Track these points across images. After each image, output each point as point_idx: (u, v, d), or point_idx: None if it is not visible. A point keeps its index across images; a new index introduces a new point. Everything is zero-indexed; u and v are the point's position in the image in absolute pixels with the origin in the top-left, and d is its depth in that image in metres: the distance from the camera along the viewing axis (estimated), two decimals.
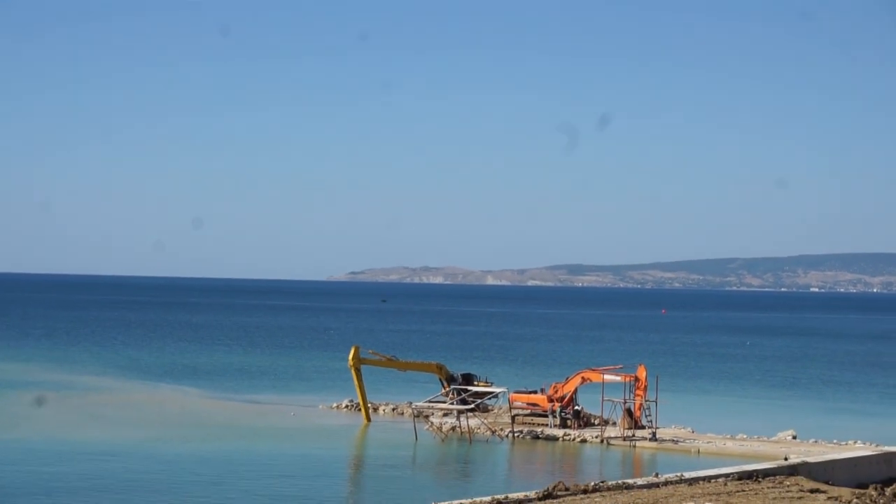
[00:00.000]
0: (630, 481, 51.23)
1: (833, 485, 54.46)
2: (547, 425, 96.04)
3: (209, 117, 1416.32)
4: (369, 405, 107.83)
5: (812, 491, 50.30)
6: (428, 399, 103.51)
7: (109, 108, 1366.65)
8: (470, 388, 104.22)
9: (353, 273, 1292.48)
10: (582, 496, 47.20)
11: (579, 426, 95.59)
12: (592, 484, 49.53)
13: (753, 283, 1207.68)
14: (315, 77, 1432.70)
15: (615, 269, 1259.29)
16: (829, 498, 48.29)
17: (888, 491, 49.42)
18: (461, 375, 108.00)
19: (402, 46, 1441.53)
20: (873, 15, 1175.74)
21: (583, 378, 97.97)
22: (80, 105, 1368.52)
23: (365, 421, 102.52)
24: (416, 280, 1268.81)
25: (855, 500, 46.64)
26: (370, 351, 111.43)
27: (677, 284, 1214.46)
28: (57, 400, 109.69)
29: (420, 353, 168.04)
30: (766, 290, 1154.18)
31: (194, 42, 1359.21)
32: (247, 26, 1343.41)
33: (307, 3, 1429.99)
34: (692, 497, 47.23)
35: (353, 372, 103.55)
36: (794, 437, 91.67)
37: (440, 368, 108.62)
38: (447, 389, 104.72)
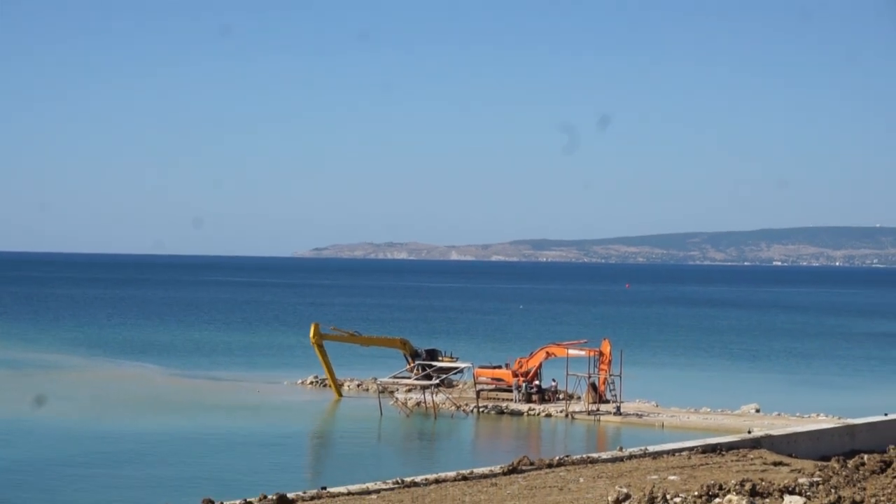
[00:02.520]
0: (594, 455, 51.20)
1: (796, 457, 54.60)
2: (512, 400, 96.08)
3: (209, 115, 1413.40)
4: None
5: (775, 464, 50.40)
6: (392, 375, 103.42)
7: (109, 108, 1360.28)
8: (435, 363, 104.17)
9: (317, 249, 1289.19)
10: (547, 470, 47.12)
11: (543, 400, 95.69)
12: (557, 458, 49.46)
13: (717, 257, 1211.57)
14: (315, 77, 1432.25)
15: (579, 244, 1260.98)
16: (792, 470, 48.39)
17: (850, 463, 49.55)
18: (426, 351, 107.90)
19: (402, 46, 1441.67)
20: (873, 15, 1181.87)
21: (547, 353, 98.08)
22: (79, 104, 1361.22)
23: (336, 396, 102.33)
24: (381, 256, 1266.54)
25: (818, 473, 46.75)
26: (331, 327, 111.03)
27: (641, 259, 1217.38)
28: (12, 378, 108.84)
29: (384, 329, 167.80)
30: (730, 263, 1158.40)
31: (194, 42, 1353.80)
32: (247, 26, 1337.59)
33: (307, 3, 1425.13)
34: (656, 470, 47.25)
35: (316, 349, 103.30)
36: (758, 411, 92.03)
37: (404, 344, 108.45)
38: (412, 365, 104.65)
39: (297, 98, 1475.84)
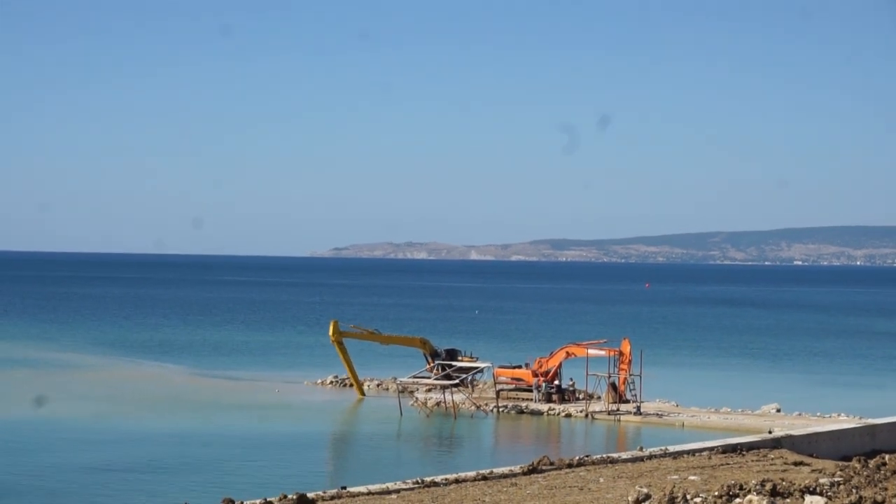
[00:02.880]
0: (615, 455, 51.15)
1: (817, 457, 54.48)
2: (531, 400, 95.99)
3: (209, 115, 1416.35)
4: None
5: (796, 464, 50.27)
6: (412, 375, 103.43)
7: (109, 108, 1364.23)
8: (454, 363, 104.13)
9: (336, 249, 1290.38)
10: (567, 470, 47.09)
11: (563, 400, 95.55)
12: (577, 458, 49.43)
13: (737, 256, 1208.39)
14: (315, 77, 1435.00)
15: (599, 244, 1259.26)
16: (812, 470, 48.25)
17: (871, 463, 49.39)
18: (445, 351, 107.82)
19: (402, 46, 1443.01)
20: (873, 14, 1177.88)
21: (567, 353, 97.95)
22: (80, 104, 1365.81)
23: (359, 395, 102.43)
24: (400, 255, 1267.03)
25: (838, 473, 46.61)
26: (351, 325, 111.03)
27: (661, 258, 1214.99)
28: (35, 378, 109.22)
29: (403, 328, 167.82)
30: (750, 263, 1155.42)
31: (194, 42, 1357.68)
32: (247, 26, 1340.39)
33: (307, 3, 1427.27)
34: (676, 470, 47.17)
35: (336, 347, 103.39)
36: (778, 410, 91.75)
37: (424, 343, 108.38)
38: (431, 365, 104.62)
39: (299, 98, 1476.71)
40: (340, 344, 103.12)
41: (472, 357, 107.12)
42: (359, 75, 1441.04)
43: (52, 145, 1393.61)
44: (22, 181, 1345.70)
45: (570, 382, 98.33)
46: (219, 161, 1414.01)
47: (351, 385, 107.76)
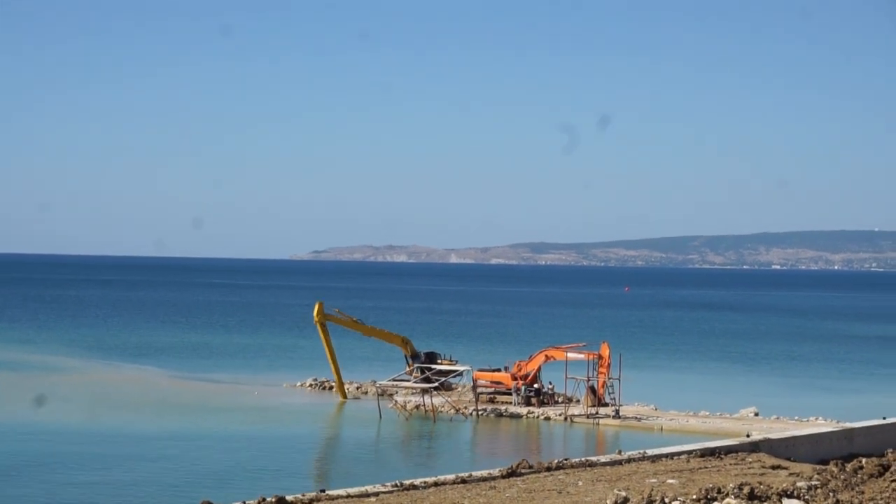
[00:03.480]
0: (593, 459, 51.33)
1: (795, 461, 54.76)
2: (511, 403, 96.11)
3: (209, 115, 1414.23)
4: (332, 384, 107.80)
5: (774, 467, 50.55)
6: (391, 378, 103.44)
7: (109, 107, 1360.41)
8: (434, 366, 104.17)
9: (316, 252, 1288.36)
10: (546, 473, 47.24)
11: (542, 404, 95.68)
12: (556, 461, 49.59)
13: (716, 260, 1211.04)
14: (315, 77, 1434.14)
15: (578, 248, 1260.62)
16: (790, 474, 48.52)
17: (849, 467, 49.71)
18: (424, 354, 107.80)
19: (401, 46, 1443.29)
20: (873, 14, 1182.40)
21: (546, 356, 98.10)
22: (79, 104, 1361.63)
23: (340, 398, 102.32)
24: (380, 258, 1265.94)
25: (816, 476, 46.88)
26: (336, 310, 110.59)
27: (640, 262, 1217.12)
28: (12, 380, 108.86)
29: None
30: (729, 267, 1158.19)
31: (194, 42, 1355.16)
32: (247, 26, 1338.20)
33: (307, 4, 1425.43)
34: (655, 474, 47.36)
35: (319, 328, 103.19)
36: (756, 414, 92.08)
37: (405, 343, 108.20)
38: (411, 368, 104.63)
39: (297, 98, 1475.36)
40: (323, 326, 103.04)
41: (451, 360, 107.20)
42: (356, 76, 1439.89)
43: (52, 145, 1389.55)
44: (22, 181, 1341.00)
45: (550, 386, 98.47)
46: (214, 162, 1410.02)
47: (331, 388, 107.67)
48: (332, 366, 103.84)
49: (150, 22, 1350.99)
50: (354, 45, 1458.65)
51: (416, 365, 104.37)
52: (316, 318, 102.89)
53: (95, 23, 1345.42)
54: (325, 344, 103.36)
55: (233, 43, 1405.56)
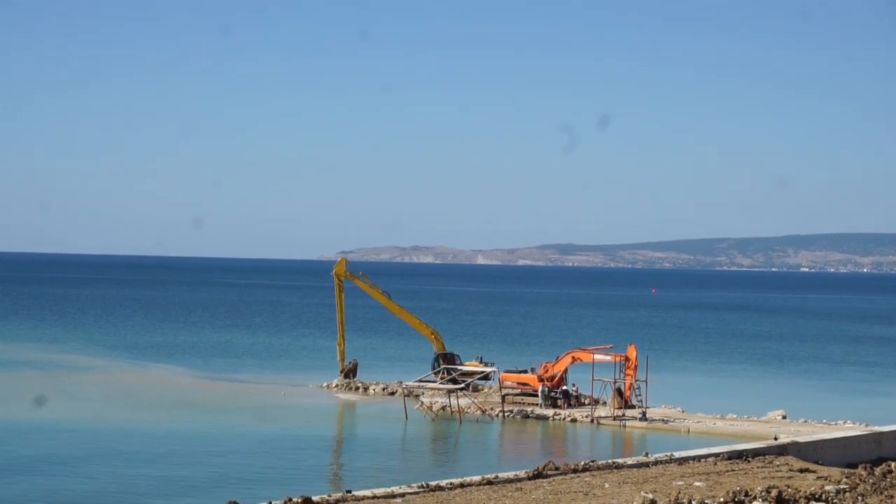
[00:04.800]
0: (620, 461, 51.17)
1: (823, 464, 54.49)
2: (537, 405, 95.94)
3: (209, 115, 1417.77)
4: (359, 385, 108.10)
5: (801, 471, 50.28)
6: (418, 378, 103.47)
7: (109, 107, 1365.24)
8: (461, 367, 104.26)
9: (343, 252, 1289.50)
10: (572, 475, 47.11)
11: (569, 406, 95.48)
12: (583, 463, 49.45)
13: (744, 262, 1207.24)
14: (315, 77, 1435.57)
15: (605, 249, 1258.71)
16: (818, 477, 48.24)
17: (878, 470, 49.37)
18: (442, 355, 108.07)
19: (401, 46, 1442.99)
20: (873, 14, 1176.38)
21: (573, 358, 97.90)
22: (79, 104, 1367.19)
23: (341, 366, 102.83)
24: (407, 259, 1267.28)
25: (844, 480, 46.58)
26: (360, 272, 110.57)
27: (667, 264, 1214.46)
28: (40, 379, 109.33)
29: (408, 332, 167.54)
30: (757, 269, 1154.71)
31: (194, 42, 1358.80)
32: (247, 26, 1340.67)
33: (307, 3, 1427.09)
34: (682, 476, 47.18)
35: (335, 282, 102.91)
36: (784, 417, 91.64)
37: (435, 336, 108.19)
38: (438, 369, 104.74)
39: (302, 98, 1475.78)
40: (341, 282, 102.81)
41: (481, 361, 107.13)
42: (360, 76, 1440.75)
43: (51, 145, 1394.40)
44: (22, 181, 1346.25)
45: (574, 388, 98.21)
46: (220, 162, 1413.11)
47: (357, 389, 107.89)
48: (339, 327, 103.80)
49: (150, 22, 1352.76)
50: (357, 45, 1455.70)
51: (442, 366, 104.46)
52: (335, 272, 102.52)
53: (95, 22, 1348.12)
54: (337, 302, 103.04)
55: (233, 43, 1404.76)
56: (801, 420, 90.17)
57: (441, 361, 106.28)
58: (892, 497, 42.65)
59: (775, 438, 60.69)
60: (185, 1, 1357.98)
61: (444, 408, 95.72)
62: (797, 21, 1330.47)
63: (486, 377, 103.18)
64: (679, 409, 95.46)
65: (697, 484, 45.20)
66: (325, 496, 41.04)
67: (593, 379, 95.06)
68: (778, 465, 51.61)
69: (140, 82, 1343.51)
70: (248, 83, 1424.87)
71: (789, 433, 73.19)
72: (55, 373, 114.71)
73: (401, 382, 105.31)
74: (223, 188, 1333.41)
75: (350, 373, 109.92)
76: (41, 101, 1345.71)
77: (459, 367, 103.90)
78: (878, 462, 55.01)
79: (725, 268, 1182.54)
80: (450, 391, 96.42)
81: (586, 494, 42.91)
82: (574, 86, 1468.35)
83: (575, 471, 47.98)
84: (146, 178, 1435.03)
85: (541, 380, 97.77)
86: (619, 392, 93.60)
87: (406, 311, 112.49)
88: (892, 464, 50.95)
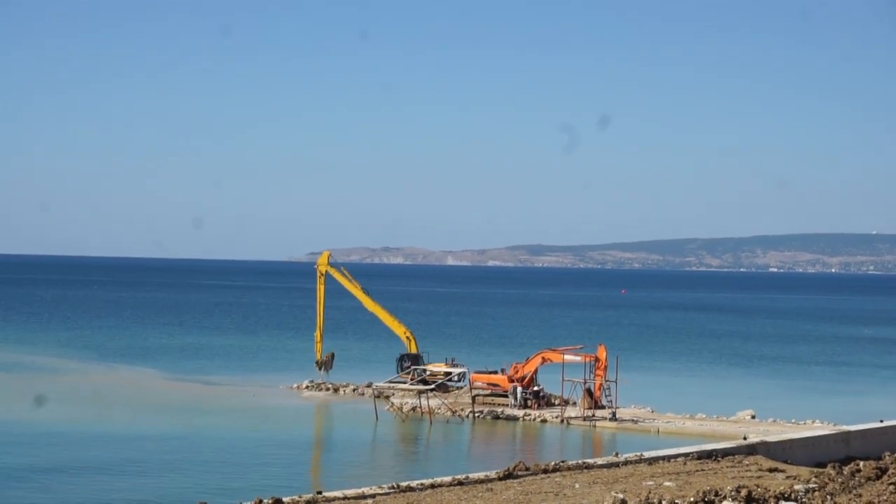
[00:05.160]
0: (590, 461, 51.27)
1: (792, 464, 54.72)
2: (507, 405, 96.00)
3: (208, 115, 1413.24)
4: (329, 386, 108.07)
5: (771, 470, 50.49)
6: (388, 379, 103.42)
7: (108, 107, 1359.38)
8: (431, 367, 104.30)
9: (312, 253, 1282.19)
10: (542, 475, 47.17)
11: (539, 406, 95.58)
12: (553, 463, 49.53)
13: (713, 263, 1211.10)
14: (315, 77, 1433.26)
15: (575, 250, 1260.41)
16: (787, 477, 48.46)
17: (846, 470, 49.63)
18: (407, 355, 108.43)
19: (401, 46, 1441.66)
20: (873, 15, 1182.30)
21: (543, 358, 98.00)
22: (78, 103, 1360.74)
23: (317, 357, 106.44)
24: (377, 260, 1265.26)
25: (813, 479, 46.81)
26: (343, 268, 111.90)
27: (637, 265, 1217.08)
28: (7, 381, 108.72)
29: (378, 332, 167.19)
30: (726, 270, 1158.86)
31: (194, 42, 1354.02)
32: (247, 26, 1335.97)
33: (307, 3, 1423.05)
34: (652, 476, 47.29)
35: (318, 276, 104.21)
36: (753, 417, 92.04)
37: (409, 336, 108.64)
38: (407, 368, 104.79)
39: (294, 98, 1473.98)
40: (323, 276, 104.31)
41: (450, 363, 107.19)
42: (356, 77, 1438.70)
43: (52, 146, 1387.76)
44: (22, 182, 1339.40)
45: (539, 388, 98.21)
46: (211, 164, 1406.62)
47: (328, 389, 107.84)
48: (318, 319, 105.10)
49: (150, 22, 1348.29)
50: (354, 45, 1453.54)
51: (410, 366, 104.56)
52: (318, 265, 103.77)
53: (95, 22, 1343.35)
54: (318, 296, 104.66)
55: (233, 43, 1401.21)
56: (770, 420, 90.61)
57: (406, 361, 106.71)
58: (860, 496, 42.90)
59: (744, 438, 60.90)
60: (185, 1, 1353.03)
61: (414, 409, 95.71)
62: (797, 21, 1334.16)
63: (450, 378, 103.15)
64: (649, 409, 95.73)
65: (667, 484, 45.34)
66: (296, 497, 40.97)
67: (563, 379, 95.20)
68: (747, 465, 51.82)
69: (140, 82, 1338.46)
70: (247, 83, 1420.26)
71: (758, 433, 73.50)
72: (22, 375, 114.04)
73: (370, 384, 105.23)
74: (223, 188, 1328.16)
75: (325, 365, 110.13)
76: (41, 101, 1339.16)
77: (430, 368, 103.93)
78: (846, 461, 55.30)
79: (694, 268, 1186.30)
80: (420, 392, 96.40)
81: (556, 495, 42.98)
82: (563, 88, 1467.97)
83: (545, 471, 48.05)
84: (144, 178, 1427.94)
85: (511, 380, 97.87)
86: (590, 392, 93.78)
87: (383, 310, 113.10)
88: (861, 463, 51.24)
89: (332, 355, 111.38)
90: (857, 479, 47.12)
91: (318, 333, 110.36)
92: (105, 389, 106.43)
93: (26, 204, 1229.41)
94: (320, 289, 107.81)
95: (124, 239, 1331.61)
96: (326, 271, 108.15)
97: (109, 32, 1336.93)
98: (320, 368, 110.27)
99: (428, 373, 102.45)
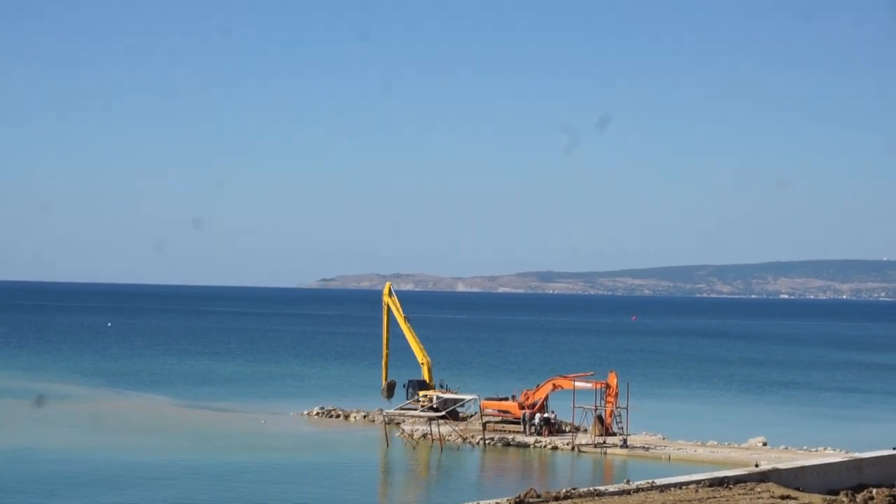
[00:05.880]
0: (601, 488, 51.09)
1: (804, 491, 54.48)
2: (518, 432, 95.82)
3: (208, 116, 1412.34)
4: (339, 413, 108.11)
5: (783, 497, 50.29)
6: (399, 406, 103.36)
7: (109, 107, 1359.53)
8: (443, 395, 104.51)
9: (324, 280, 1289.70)
10: (553, 503, 47.02)
11: (550, 433, 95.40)
12: (564, 491, 49.37)
13: (723, 289, 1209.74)
14: (315, 77, 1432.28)
15: (585, 276, 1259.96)
16: None
17: (859, 497, 49.46)
18: (413, 381, 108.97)
19: (402, 46, 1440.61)
20: (874, 15, 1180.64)
21: (554, 385, 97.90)
22: (78, 103, 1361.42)
23: (384, 380, 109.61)
24: None
25: None
26: (394, 298, 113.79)
27: (647, 291, 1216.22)
28: (20, 407, 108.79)
29: (391, 361, 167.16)
30: (736, 296, 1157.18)
31: (194, 42, 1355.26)
32: (247, 26, 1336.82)
33: (307, 3, 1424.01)
34: (664, 503, 47.14)
35: (383, 304, 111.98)
36: (765, 444, 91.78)
37: (427, 364, 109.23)
38: (419, 396, 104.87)
39: (297, 119, 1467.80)
40: (386, 306, 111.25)
41: (444, 388, 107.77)
42: (358, 77, 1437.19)
43: (50, 145, 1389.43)
44: (22, 182, 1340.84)
45: (552, 414, 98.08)
46: (217, 171, 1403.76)
47: (338, 416, 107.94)
48: (384, 348, 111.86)
49: (150, 22, 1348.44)
50: (356, 46, 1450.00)
51: (421, 393, 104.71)
52: (385, 297, 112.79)
53: (95, 22, 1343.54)
54: (383, 324, 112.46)
55: (233, 43, 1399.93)
56: (782, 447, 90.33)
57: (412, 387, 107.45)
58: None
59: (756, 465, 60.68)
60: (185, 1, 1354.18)
61: (424, 435, 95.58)
62: (803, 27, 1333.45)
63: (432, 405, 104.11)
64: (660, 436, 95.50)
65: None
66: None
67: (574, 406, 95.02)
68: (759, 492, 51.61)
69: (140, 82, 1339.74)
70: (246, 87, 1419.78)
71: (770, 460, 73.23)
72: (31, 401, 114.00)
73: (381, 410, 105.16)
74: (232, 214, 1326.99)
75: (384, 392, 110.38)
76: (42, 100, 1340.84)
77: (442, 395, 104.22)
78: (858, 489, 55.10)
79: (705, 295, 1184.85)
80: (430, 419, 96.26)
81: None
82: (568, 104, 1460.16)
83: (556, 498, 47.90)
84: (143, 185, 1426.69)
85: (521, 407, 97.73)
86: (600, 419, 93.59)
87: (412, 334, 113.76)
88: (874, 490, 51.06)
89: (394, 383, 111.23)
90: None
91: (384, 361, 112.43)
92: (114, 415, 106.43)
93: (26, 205, 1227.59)
94: (385, 318, 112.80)
95: (121, 242, 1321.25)
96: (388, 302, 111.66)
97: (109, 31, 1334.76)
98: (383, 395, 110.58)
99: (423, 398, 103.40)
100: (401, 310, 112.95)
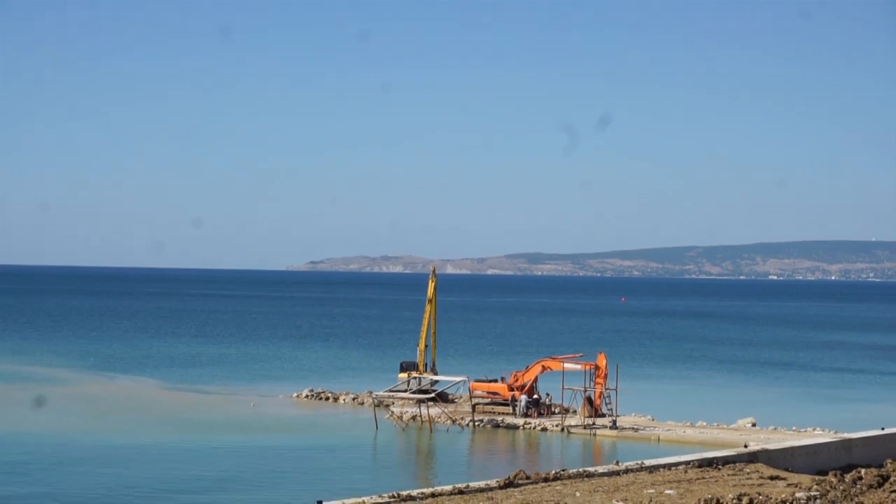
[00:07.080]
0: (591, 469, 50.98)
1: (793, 472, 54.42)
2: (507, 414, 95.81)
3: (208, 116, 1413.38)
4: (328, 395, 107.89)
5: (772, 478, 50.23)
6: (388, 388, 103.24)
7: (108, 107, 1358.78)
8: (431, 376, 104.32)
9: (312, 262, 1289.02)
10: (543, 484, 46.90)
11: (539, 415, 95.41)
12: (553, 472, 49.25)
13: (712, 270, 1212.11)
14: (315, 76, 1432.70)
15: (574, 258, 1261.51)
16: (788, 485, 48.22)
17: (847, 477, 49.38)
18: (405, 363, 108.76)
19: (402, 46, 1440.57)
20: (873, 15, 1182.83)
21: (543, 366, 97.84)
22: (78, 103, 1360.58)
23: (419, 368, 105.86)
24: (376, 269, 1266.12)
25: (815, 487, 46.58)
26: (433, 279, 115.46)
27: (636, 273, 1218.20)
28: (8, 392, 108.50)
29: (378, 340, 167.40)
30: (725, 277, 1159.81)
31: (194, 42, 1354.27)
32: (247, 26, 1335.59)
33: (307, 3, 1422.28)
34: (653, 484, 47.05)
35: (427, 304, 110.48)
36: (754, 425, 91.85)
37: (420, 348, 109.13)
38: (408, 377, 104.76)
39: (290, 105, 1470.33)
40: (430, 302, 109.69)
41: (425, 367, 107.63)
42: (358, 76, 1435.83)
43: (50, 145, 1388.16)
44: (22, 182, 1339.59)
45: (547, 396, 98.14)
46: (210, 172, 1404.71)
47: (327, 398, 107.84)
48: (422, 332, 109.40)
49: (150, 22, 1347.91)
50: (355, 46, 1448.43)
51: (411, 375, 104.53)
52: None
53: (95, 22, 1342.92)
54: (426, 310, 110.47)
55: (233, 43, 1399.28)
56: (771, 427, 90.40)
57: (405, 368, 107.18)
58: (861, 503, 42.67)
59: (745, 446, 60.60)
60: (185, 1, 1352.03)
61: (414, 417, 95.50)
62: (797, 22, 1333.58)
63: (415, 385, 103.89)
64: (649, 417, 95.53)
65: (668, 492, 45.09)
66: None
67: (563, 388, 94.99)
68: (748, 473, 51.55)
69: (140, 82, 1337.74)
70: (246, 86, 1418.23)
71: (759, 440, 73.27)
72: (21, 385, 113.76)
73: (370, 392, 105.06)
74: (221, 197, 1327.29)
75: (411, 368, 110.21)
76: (41, 100, 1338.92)
77: (430, 377, 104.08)
78: (847, 469, 55.03)
79: (694, 276, 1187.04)
80: (419, 401, 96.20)
81: (557, 503, 42.74)
82: (562, 91, 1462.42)
83: (546, 480, 47.79)
84: (144, 181, 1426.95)
85: (511, 389, 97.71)
86: (590, 400, 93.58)
87: (427, 317, 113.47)
88: (863, 470, 50.99)
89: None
90: (858, 486, 46.86)
91: (421, 345, 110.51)
92: (102, 399, 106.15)
93: (24, 210, 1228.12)
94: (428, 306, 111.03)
95: (120, 243, 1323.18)
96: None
97: (109, 31, 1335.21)
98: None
99: (412, 379, 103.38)
100: (432, 292, 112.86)
